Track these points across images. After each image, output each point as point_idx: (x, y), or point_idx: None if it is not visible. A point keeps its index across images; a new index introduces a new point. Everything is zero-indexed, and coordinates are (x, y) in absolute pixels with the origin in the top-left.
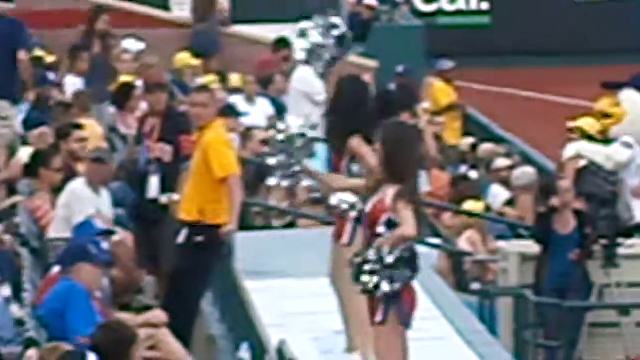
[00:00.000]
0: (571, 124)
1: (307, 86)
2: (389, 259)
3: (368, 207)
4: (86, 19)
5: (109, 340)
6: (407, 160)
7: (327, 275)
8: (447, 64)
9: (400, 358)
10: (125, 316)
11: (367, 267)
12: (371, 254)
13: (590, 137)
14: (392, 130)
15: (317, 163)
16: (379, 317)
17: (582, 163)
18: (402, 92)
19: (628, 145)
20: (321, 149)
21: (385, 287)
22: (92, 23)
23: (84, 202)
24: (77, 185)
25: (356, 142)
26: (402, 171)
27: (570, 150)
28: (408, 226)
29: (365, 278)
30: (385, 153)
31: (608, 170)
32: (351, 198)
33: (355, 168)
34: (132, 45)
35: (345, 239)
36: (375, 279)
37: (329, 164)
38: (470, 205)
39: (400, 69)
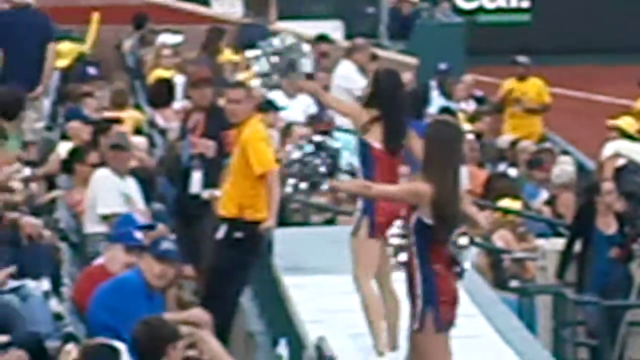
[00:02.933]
0: (610, 123)
1: (349, 82)
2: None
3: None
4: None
5: (147, 337)
6: (445, 158)
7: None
8: (520, 60)
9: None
10: (167, 313)
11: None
12: None
13: (629, 136)
14: (437, 127)
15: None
16: (415, 325)
17: (621, 162)
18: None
19: None
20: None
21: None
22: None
23: (110, 187)
24: (101, 173)
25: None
26: (437, 170)
27: (609, 149)
28: (381, 187)
29: None
30: (426, 148)
31: None
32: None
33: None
34: (169, 39)
35: (364, 230)
36: None
37: (362, 156)
38: (506, 203)
39: (442, 66)
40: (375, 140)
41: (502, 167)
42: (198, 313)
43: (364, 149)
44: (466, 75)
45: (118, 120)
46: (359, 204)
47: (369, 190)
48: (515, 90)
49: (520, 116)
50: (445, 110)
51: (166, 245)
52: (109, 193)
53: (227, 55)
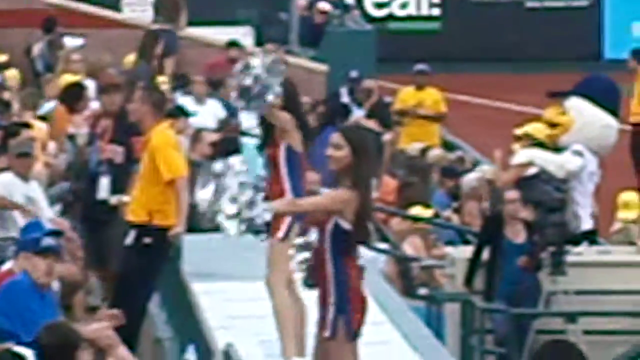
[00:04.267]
0: (519, 131)
1: None
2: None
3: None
4: (40, 19)
5: (55, 343)
6: (370, 167)
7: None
8: (421, 68)
9: None
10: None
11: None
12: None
13: (540, 143)
14: (361, 134)
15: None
16: (327, 333)
17: (532, 171)
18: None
19: (579, 154)
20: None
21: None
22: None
23: (12, 193)
24: (4, 178)
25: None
26: (362, 179)
27: (522, 156)
28: (303, 201)
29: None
30: (354, 158)
31: (559, 178)
32: None
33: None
34: (70, 42)
35: (280, 233)
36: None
37: (290, 164)
38: (417, 210)
39: (353, 73)
40: (297, 146)
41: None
42: (104, 334)
43: (293, 156)
44: (370, 81)
45: (27, 125)
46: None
47: (299, 207)
48: (412, 98)
49: (417, 125)
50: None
51: (47, 240)
52: (13, 198)
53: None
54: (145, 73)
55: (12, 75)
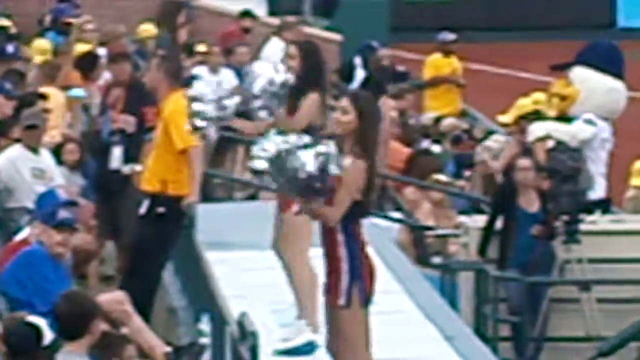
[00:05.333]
0: (527, 106)
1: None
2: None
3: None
4: None
5: (70, 312)
6: (375, 133)
7: (271, 247)
8: (448, 37)
9: (366, 338)
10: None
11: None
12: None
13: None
14: (367, 101)
15: None
16: (342, 300)
17: (550, 143)
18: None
19: (590, 122)
20: None
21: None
22: None
23: (20, 165)
24: (13, 151)
25: (313, 97)
26: (370, 145)
27: (538, 130)
28: (335, 213)
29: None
30: (360, 124)
31: (572, 147)
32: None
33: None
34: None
35: (295, 207)
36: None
37: None
38: (435, 178)
39: (374, 43)
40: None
41: (425, 143)
42: (116, 307)
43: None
44: (384, 50)
45: (43, 96)
46: None
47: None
48: (446, 66)
49: (441, 92)
50: (368, 80)
51: (63, 214)
52: (20, 172)
53: (150, 29)
54: (167, 42)
55: (42, 46)
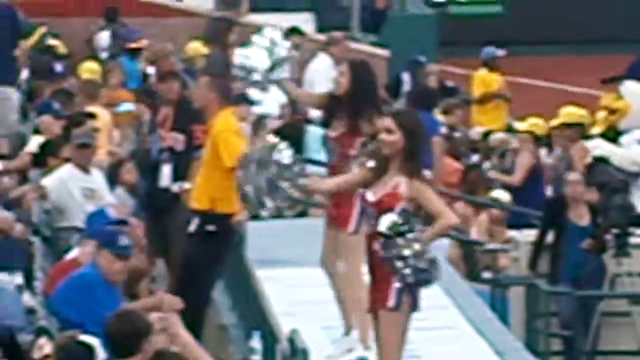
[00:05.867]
0: (521, 128)
1: (324, 75)
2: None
3: (373, 197)
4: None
5: (122, 331)
6: (422, 149)
7: (320, 263)
8: (496, 52)
9: (403, 342)
10: (130, 304)
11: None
12: (406, 252)
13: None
14: (413, 119)
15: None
16: (391, 302)
17: (589, 159)
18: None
19: None
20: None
21: (409, 279)
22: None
23: (71, 185)
24: (64, 171)
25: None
26: (419, 161)
27: (597, 149)
28: (450, 215)
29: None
30: (407, 142)
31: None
32: None
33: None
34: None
35: (351, 227)
36: (407, 270)
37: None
38: (496, 194)
39: (421, 59)
40: None
41: (474, 158)
42: (168, 298)
43: None
44: (432, 65)
45: (92, 115)
46: (357, 204)
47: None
48: (494, 82)
49: (490, 108)
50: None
51: (125, 241)
52: (71, 193)
53: (198, 48)
54: (220, 61)
55: (92, 68)
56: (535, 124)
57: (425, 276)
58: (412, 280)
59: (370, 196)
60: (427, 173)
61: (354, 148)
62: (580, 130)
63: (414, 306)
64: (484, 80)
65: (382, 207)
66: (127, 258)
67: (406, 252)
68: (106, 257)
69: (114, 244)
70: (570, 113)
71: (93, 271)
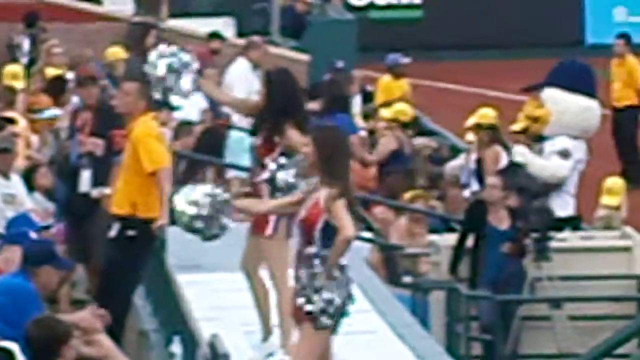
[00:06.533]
0: (469, 122)
1: (242, 80)
2: (325, 295)
3: (301, 214)
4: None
5: (41, 337)
6: (342, 163)
7: (241, 267)
8: (399, 59)
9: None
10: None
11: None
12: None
13: (491, 127)
14: (327, 134)
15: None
16: (317, 324)
17: (504, 163)
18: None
19: (565, 155)
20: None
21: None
22: None
23: None
24: None
25: (294, 134)
26: (337, 173)
27: (519, 155)
28: (348, 228)
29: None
30: (322, 157)
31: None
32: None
33: (282, 160)
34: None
35: (269, 229)
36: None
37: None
38: (408, 196)
39: (339, 64)
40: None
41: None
42: (89, 318)
43: None
44: (354, 71)
45: (12, 120)
46: None
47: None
48: (397, 90)
49: None
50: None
51: (60, 252)
52: None
53: (118, 52)
54: (138, 66)
55: (15, 72)
56: (482, 114)
57: (336, 309)
58: (328, 323)
59: (300, 214)
60: None
61: (270, 157)
62: (493, 133)
63: (334, 329)
64: (386, 87)
65: (307, 223)
66: (69, 270)
67: (315, 297)
68: (47, 271)
69: (54, 258)
70: (484, 115)
71: (27, 284)
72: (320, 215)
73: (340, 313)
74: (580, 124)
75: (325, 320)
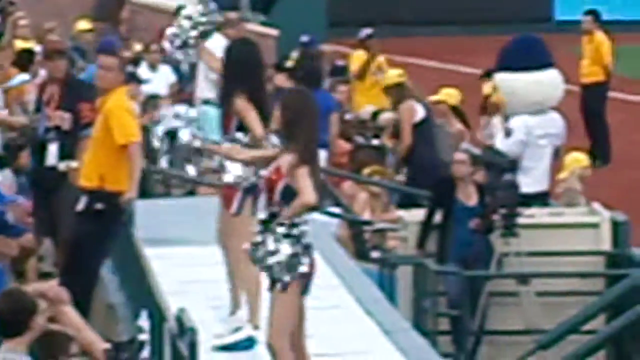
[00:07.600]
0: (434, 98)
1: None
2: (284, 253)
3: (266, 173)
4: None
5: (9, 309)
6: (306, 127)
7: (217, 242)
8: (365, 32)
9: (294, 324)
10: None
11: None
12: (270, 245)
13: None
14: (293, 97)
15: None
16: (280, 286)
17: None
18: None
19: (507, 133)
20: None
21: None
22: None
23: None
24: None
25: (241, 104)
26: (302, 138)
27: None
28: (308, 194)
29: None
30: (285, 120)
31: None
32: (244, 171)
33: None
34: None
35: (233, 207)
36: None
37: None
38: (367, 171)
39: (304, 38)
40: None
41: (359, 139)
42: (56, 289)
43: None
44: (324, 46)
45: None
46: (242, 184)
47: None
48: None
49: (367, 87)
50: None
51: (13, 221)
52: None
53: (85, 25)
54: (117, 40)
55: None
56: (447, 93)
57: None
58: (288, 279)
59: (264, 172)
60: (322, 152)
61: (229, 128)
62: (402, 89)
63: (305, 290)
64: (359, 57)
65: (269, 183)
66: (19, 236)
67: (270, 260)
68: (3, 240)
69: (5, 227)
70: (451, 95)
71: None
72: (281, 180)
73: (292, 266)
74: (531, 99)
75: (279, 274)
